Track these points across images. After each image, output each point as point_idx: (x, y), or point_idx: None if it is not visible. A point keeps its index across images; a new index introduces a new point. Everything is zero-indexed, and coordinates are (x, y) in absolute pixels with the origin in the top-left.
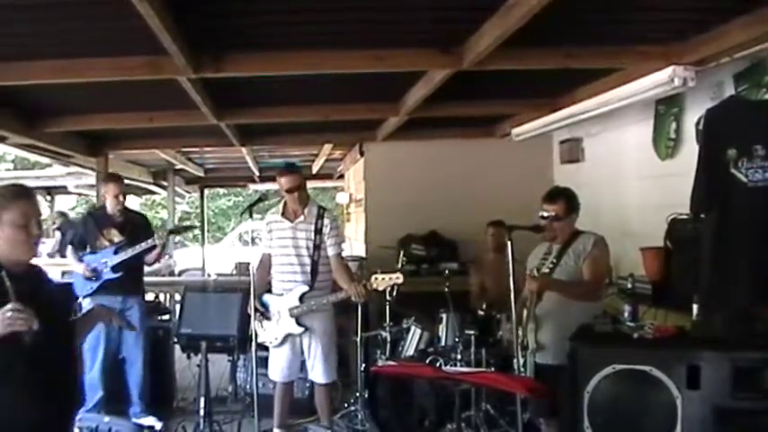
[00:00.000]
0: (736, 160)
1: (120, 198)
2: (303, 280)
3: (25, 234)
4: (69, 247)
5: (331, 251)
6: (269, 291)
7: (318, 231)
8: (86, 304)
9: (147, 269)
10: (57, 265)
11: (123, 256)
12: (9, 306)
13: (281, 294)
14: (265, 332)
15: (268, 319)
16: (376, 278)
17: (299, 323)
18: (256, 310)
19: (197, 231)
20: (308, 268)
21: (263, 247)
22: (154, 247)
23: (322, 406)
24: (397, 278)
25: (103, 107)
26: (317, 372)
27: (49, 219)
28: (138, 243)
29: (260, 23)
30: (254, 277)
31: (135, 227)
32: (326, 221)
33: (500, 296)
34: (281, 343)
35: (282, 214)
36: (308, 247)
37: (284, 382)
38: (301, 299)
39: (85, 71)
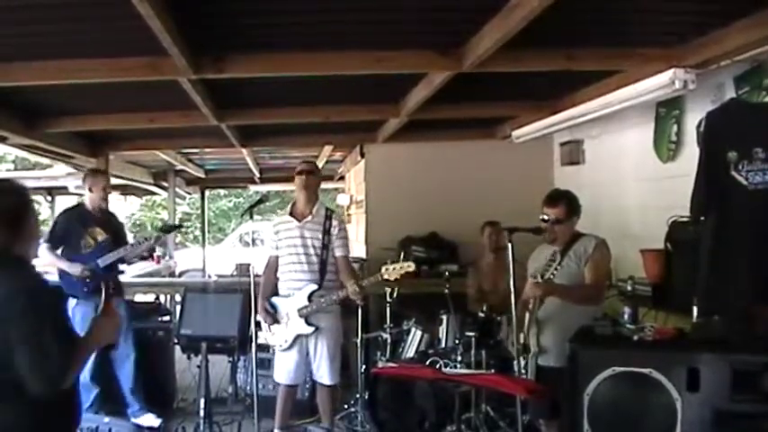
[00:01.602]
0: (736, 163)
1: (108, 190)
2: (311, 279)
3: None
4: (45, 246)
5: (338, 252)
6: (275, 293)
7: (327, 232)
8: (77, 308)
9: (143, 270)
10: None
11: (115, 255)
12: (115, 314)
13: (288, 296)
14: (274, 336)
15: (278, 322)
16: (387, 269)
17: (308, 323)
18: (266, 312)
19: (188, 229)
20: (316, 267)
21: (269, 249)
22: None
23: (325, 407)
24: (409, 266)
25: (104, 108)
26: (323, 373)
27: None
28: (120, 241)
29: (261, 25)
30: (256, 279)
31: (114, 224)
32: (335, 222)
33: (498, 298)
34: (291, 346)
35: (291, 214)
36: (315, 246)
37: (289, 384)
38: (310, 298)
39: (86, 72)
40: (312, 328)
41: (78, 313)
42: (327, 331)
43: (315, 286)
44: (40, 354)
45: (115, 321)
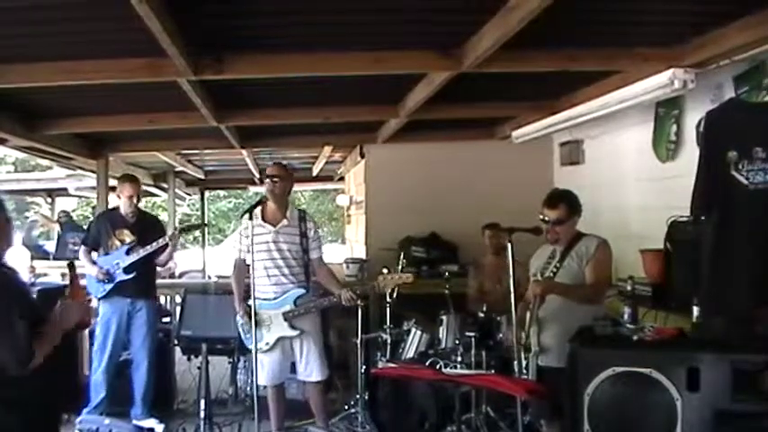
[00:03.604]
0: (736, 162)
1: (134, 199)
2: (296, 283)
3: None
4: (82, 248)
5: (314, 254)
6: (248, 296)
7: (304, 235)
8: (100, 307)
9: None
10: (59, 267)
11: (135, 256)
12: (81, 296)
13: (271, 299)
14: (250, 338)
15: (257, 324)
16: (384, 278)
17: (292, 326)
18: (247, 314)
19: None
20: (300, 270)
21: (236, 251)
22: (165, 246)
23: (318, 406)
24: (408, 278)
25: (103, 109)
26: (313, 370)
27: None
28: (148, 243)
29: (260, 25)
30: (253, 279)
31: (147, 228)
32: (310, 225)
33: (500, 298)
34: (272, 347)
35: (263, 219)
36: (293, 251)
37: (275, 384)
38: (296, 302)
39: (85, 73)
40: (297, 332)
41: (99, 312)
42: (312, 331)
43: (302, 290)
44: (9, 333)
45: (80, 303)
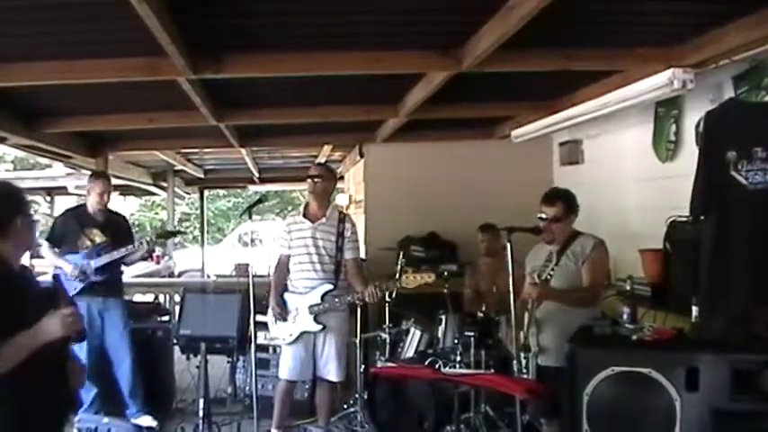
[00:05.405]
0: (736, 162)
1: (105, 197)
2: (326, 279)
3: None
4: (45, 244)
5: (349, 255)
6: (285, 290)
7: (340, 234)
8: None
9: (143, 270)
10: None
11: (108, 258)
12: (68, 310)
13: (301, 293)
14: (279, 329)
15: (285, 319)
16: (407, 277)
17: (317, 321)
18: (279, 308)
19: (187, 230)
20: (331, 267)
21: (279, 248)
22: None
23: (323, 405)
24: (429, 277)
25: (103, 108)
26: (330, 369)
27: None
28: (120, 244)
29: (260, 25)
30: (255, 280)
31: (116, 228)
32: (348, 225)
33: (495, 299)
34: (295, 341)
35: (304, 215)
36: (327, 248)
37: (290, 380)
38: (323, 297)
39: (85, 72)
40: (320, 327)
41: None
42: (335, 330)
43: (330, 286)
44: None
45: (64, 315)
